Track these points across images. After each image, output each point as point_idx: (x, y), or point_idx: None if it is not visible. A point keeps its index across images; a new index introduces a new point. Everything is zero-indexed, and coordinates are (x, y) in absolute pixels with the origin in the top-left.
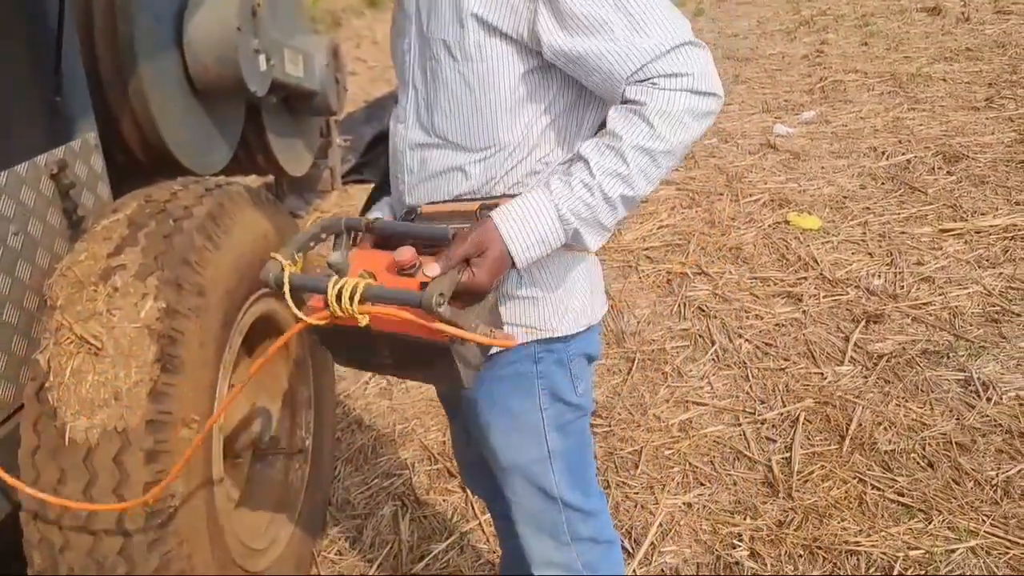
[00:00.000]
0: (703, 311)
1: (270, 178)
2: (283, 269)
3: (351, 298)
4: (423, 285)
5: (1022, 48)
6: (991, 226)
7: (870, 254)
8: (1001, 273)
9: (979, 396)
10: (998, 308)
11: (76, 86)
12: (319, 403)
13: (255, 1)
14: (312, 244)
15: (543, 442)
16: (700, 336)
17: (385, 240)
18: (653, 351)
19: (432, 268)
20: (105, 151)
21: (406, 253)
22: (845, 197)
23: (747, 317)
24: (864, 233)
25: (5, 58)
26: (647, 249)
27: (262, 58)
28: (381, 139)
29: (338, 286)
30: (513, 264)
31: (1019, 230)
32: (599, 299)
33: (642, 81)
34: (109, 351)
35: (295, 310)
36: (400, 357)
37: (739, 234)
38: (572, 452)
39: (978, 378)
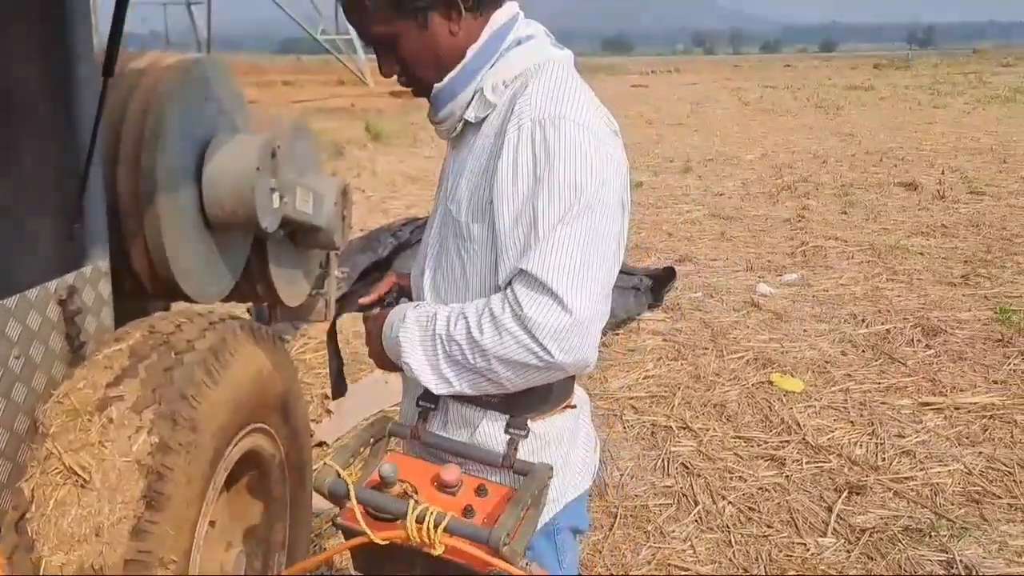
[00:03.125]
0: (687, 468)
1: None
2: (341, 478)
3: (435, 527)
4: (466, 509)
5: (995, 229)
6: (970, 403)
7: (851, 422)
8: (981, 452)
9: None
10: (979, 488)
11: (96, 213)
12: (293, 545)
13: (275, 144)
14: (363, 450)
15: None
16: (684, 495)
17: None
18: (636, 507)
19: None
20: (113, 277)
21: (453, 472)
22: (827, 362)
23: (731, 478)
24: (846, 400)
25: (33, 183)
26: (632, 399)
27: (276, 196)
28: (374, 268)
29: (417, 511)
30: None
31: (997, 410)
32: (589, 462)
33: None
34: (96, 484)
35: (364, 527)
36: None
37: (723, 391)
38: None
39: (961, 561)
